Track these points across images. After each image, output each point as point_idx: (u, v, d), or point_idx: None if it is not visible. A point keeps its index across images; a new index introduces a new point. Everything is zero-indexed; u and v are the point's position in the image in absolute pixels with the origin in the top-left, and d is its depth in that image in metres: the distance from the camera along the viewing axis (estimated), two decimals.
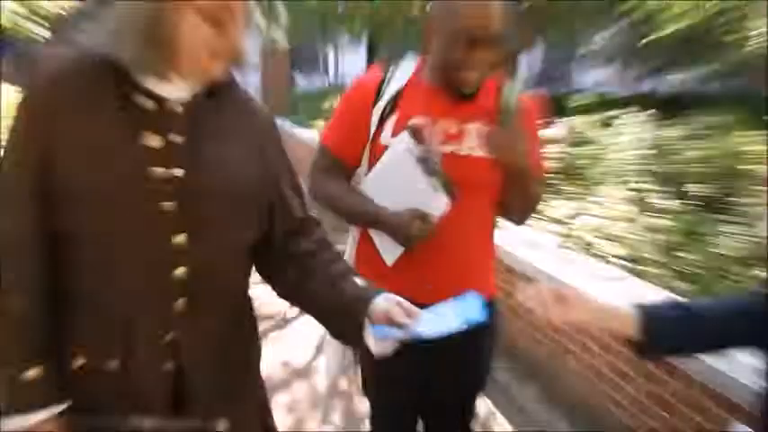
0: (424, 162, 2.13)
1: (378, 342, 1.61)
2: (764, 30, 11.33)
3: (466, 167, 2.19)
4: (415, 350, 2.22)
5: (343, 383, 4.55)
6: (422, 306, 2.08)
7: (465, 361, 2.44)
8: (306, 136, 13.12)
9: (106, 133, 1.44)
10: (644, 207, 5.54)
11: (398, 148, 2.16)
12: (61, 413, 1.52)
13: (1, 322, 1.49)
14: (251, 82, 30.23)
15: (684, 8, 10.64)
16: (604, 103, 9.75)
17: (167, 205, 1.48)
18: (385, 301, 1.63)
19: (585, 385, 3.98)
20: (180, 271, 1.52)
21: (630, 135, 6.82)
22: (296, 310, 5.80)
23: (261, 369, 1.90)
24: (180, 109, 1.52)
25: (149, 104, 1.48)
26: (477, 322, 1.61)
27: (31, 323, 1.49)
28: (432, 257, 2.23)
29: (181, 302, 1.55)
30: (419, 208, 2.15)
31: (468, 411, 2.62)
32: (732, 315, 1.76)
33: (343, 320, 1.67)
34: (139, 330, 1.53)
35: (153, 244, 1.49)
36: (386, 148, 2.20)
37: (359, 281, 1.71)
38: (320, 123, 13.26)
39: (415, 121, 2.16)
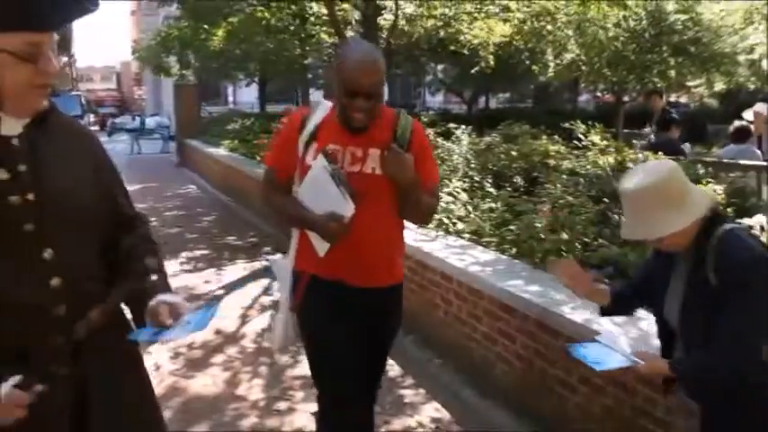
0: (335, 177, 2.28)
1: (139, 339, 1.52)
2: (556, 61, 11.99)
3: (368, 182, 2.34)
4: (348, 326, 2.41)
5: (267, 343, 4.55)
6: (354, 286, 2.38)
7: (384, 327, 2.60)
8: (213, 151, 12.88)
9: None
10: (481, 194, 5.78)
11: (317, 167, 2.32)
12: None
13: None
14: (167, 110, 29.40)
15: (498, 45, 11.07)
16: (446, 118, 10.06)
17: (28, 227, 1.39)
18: (155, 303, 1.49)
19: (450, 329, 4.15)
20: (55, 281, 1.42)
21: (466, 142, 7.09)
22: (222, 289, 5.82)
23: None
24: (16, 141, 1.41)
25: None
26: (202, 329, 1.50)
27: None
28: (351, 248, 2.34)
29: (62, 309, 1.43)
30: (334, 211, 2.28)
31: (383, 366, 2.75)
32: (643, 283, 2.14)
33: (136, 316, 1.55)
34: (29, 342, 1.40)
35: (25, 263, 1.39)
36: (309, 167, 2.35)
37: (153, 278, 1.56)
38: (225, 142, 12.99)
39: (329, 147, 2.34)
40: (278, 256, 2.64)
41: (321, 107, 2.47)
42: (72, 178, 1.47)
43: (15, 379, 1.34)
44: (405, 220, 2.58)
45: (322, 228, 2.31)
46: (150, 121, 28.70)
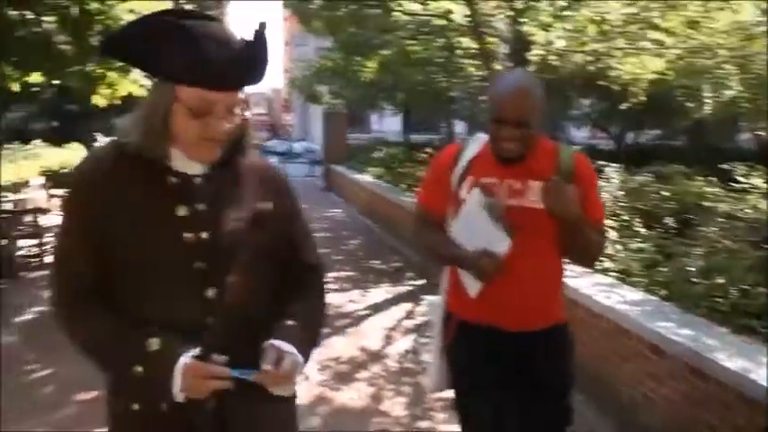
0: (490, 211, 2.18)
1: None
2: (714, 96, 11.48)
3: (527, 216, 2.18)
4: (497, 371, 2.26)
5: (410, 365, 4.78)
6: (506, 332, 2.22)
7: (543, 378, 2.33)
8: (359, 178, 13.45)
9: (147, 208, 1.43)
10: (629, 234, 5.71)
11: (472, 201, 2.22)
12: (195, 357, 1.39)
13: (95, 345, 1.46)
14: (313, 136, 30.92)
15: (651, 81, 10.78)
16: (593, 154, 9.93)
17: (198, 264, 1.43)
18: (267, 345, 1.45)
19: (596, 367, 4.15)
20: (210, 321, 1.44)
21: (617, 180, 7.01)
22: (367, 309, 6.11)
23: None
24: (199, 181, 1.47)
25: (174, 180, 1.45)
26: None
27: (116, 326, 1.44)
28: (506, 288, 2.20)
29: (214, 354, 1.42)
30: (488, 248, 2.15)
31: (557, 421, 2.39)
32: None
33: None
34: None
35: (188, 299, 1.43)
36: (464, 202, 2.25)
37: (287, 323, 1.52)
38: (371, 169, 13.58)
39: (484, 180, 2.23)
40: (434, 297, 2.54)
41: (475, 140, 2.37)
42: (250, 220, 1.50)
43: (195, 351, 1.39)
44: (571, 262, 2.40)
45: (474, 264, 2.17)
46: (298, 146, 30.37)
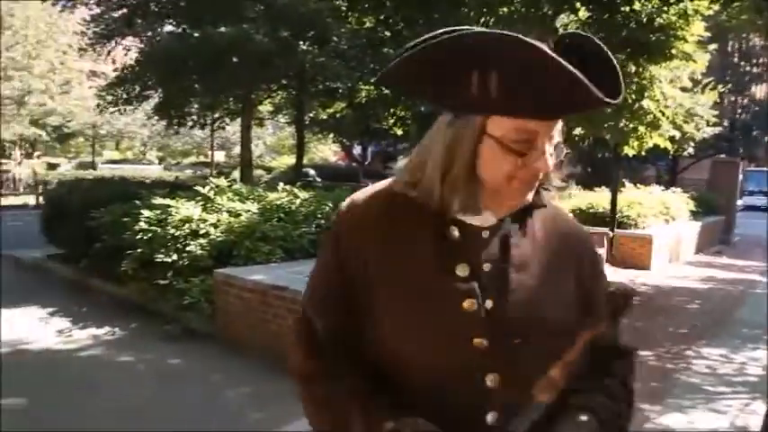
0: None
1: None
2: None
3: None
4: None
5: None
6: None
7: None
8: None
9: (420, 265, 1.17)
10: None
11: None
12: None
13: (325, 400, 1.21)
14: None
15: None
16: None
17: (478, 342, 1.14)
18: None
19: None
20: (491, 417, 1.16)
21: None
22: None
23: None
24: (486, 234, 1.20)
25: (455, 233, 1.18)
26: None
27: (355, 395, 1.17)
28: None
29: None
30: None
31: None
32: None
33: None
34: None
35: (464, 385, 1.15)
36: None
37: (581, 418, 1.18)
38: None
39: None
40: None
41: None
42: (546, 289, 1.21)
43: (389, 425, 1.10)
44: None
45: None
46: None
